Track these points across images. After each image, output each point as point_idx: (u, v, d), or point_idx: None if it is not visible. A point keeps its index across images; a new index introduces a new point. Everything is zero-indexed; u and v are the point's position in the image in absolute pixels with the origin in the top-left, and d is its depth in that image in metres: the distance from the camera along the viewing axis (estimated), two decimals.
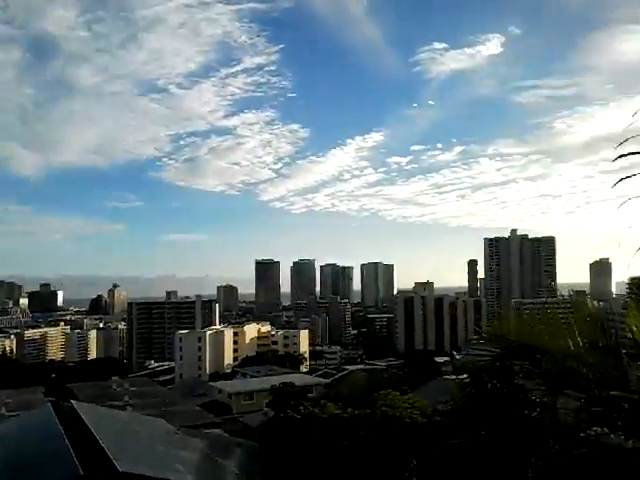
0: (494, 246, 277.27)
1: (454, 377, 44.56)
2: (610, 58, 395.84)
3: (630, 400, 4.84)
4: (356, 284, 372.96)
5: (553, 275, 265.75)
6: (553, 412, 6.14)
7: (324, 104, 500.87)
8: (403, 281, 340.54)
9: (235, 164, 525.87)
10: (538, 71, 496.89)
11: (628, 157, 2.92)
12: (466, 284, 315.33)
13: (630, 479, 5.09)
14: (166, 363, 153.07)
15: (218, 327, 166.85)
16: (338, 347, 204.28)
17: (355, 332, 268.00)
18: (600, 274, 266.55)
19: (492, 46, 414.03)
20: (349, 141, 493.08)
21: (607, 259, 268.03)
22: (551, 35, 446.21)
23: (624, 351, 5.50)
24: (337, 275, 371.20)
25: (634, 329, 5.25)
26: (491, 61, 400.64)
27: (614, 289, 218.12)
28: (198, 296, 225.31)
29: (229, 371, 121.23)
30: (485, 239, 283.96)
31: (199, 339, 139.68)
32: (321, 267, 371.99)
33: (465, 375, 23.04)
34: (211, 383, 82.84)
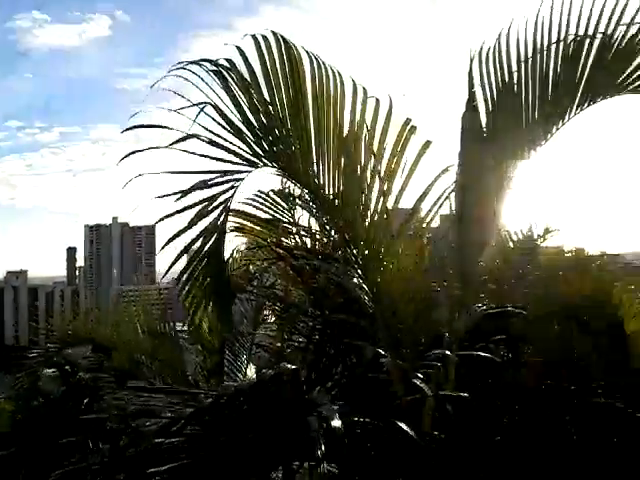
0: (95, 233, 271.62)
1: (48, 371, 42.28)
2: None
3: (190, 391, 4.96)
4: None
5: (153, 263, 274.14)
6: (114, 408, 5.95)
7: None
8: None
9: None
10: (143, 61, 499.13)
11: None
12: (65, 272, 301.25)
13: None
14: None
15: None
16: None
17: None
18: None
19: (99, 28, 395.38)
20: None
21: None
22: (155, 28, 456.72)
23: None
24: None
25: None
26: (98, 43, 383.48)
27: None
28: None
29: None
30: (86, 226, 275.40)
31: None
32: None
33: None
34: None
